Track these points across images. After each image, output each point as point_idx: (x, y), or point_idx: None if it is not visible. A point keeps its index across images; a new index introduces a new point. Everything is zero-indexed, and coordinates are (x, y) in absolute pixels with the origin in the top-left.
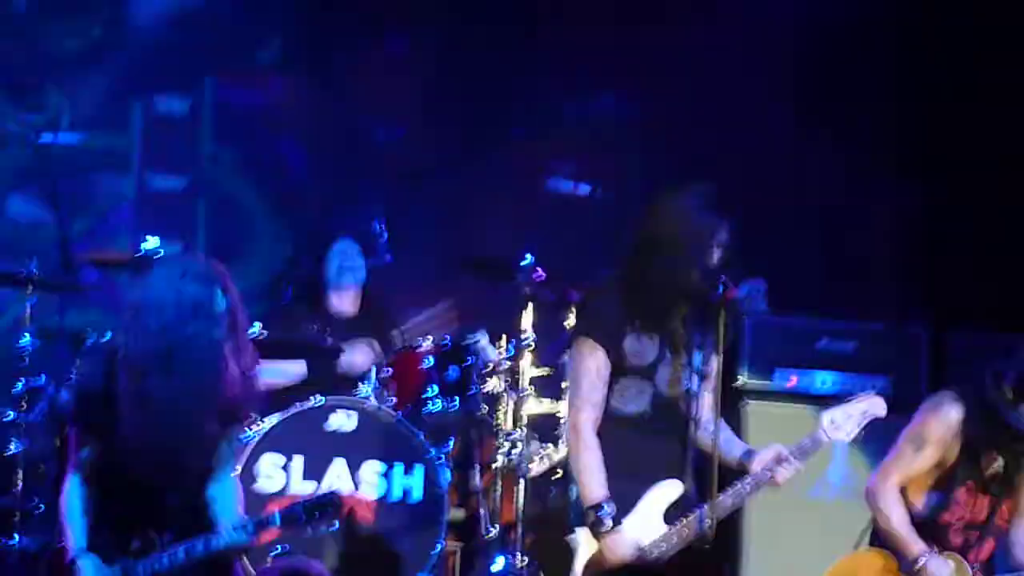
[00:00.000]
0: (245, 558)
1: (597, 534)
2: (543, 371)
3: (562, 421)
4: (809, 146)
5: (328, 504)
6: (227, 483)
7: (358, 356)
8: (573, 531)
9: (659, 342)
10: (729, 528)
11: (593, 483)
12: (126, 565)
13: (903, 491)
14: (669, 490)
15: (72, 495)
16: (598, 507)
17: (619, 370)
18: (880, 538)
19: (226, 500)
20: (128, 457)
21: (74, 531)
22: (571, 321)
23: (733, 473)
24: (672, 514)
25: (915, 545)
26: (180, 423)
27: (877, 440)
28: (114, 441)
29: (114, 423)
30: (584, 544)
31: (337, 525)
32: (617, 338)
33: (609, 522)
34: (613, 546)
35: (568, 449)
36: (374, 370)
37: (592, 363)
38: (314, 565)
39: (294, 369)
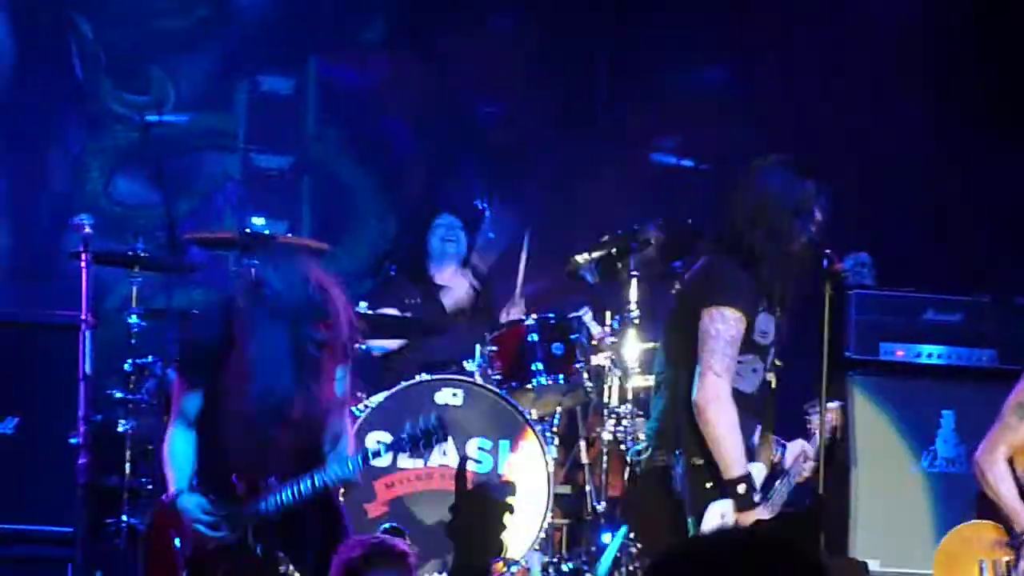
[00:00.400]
0: (352, 526)
1: (742, 508)
2: (649, 345)
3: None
4: (915, 119)
5: (432, 431)
6: (338, 425)
7: (457, 290)
8: (680, 503)
9: (775, 322)
10: (836, 500)
11: (738, 455)
12: (231, 509)
13: (1010, 462)
14: (758, 473)
15: (174, 443)
16: (742, 480)
17: (745, 346)
18: (989, 510)
19: (337, 442)
20: (236, 403)
21: (177, 474)
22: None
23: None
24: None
25: None
26: (289, 370)
27: (985, 411)
28: (221, 389)
29: (223, 371)
30: (719, 518)
31: (445, 451)
32: (754, 313)
33: (756, 496)
34: (751, 520)
35: (705, 419)
36: (478, 348)
37: (737, 332)
38: (399, 543)
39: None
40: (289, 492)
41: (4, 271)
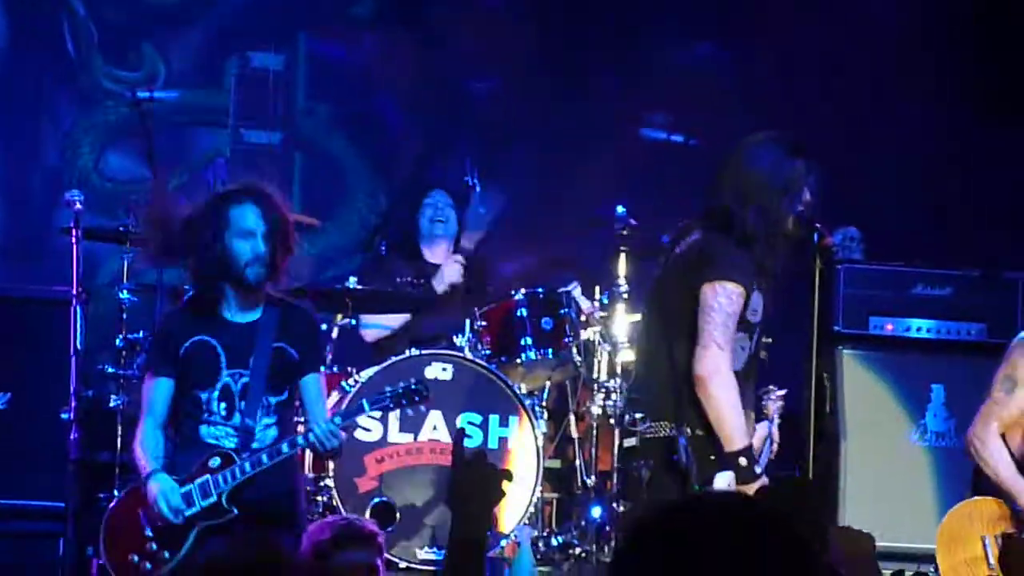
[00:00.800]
0: (340, 500)
1: (744, 480)
2: (637, 318)
3: None
4: (904, 94)
5: (414, 392)
6: (313, 382)
7: (449, 270)
8: (684, 474)
9: (763, 299)
10: (825, 474)
11: (739, 427)
12: (204, 481)
13: (1003, 437)
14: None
15: (145, 437)
16: (743, 452)
17: (737, 323)
18: (985, 485)
19: (313, 400)
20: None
21: (149, 458)
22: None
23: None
24: None
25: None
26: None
27: (974, 385)
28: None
29: (189, 359)
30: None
31: (436, 425)
32: (751, 290)
33: (758, 468)
34: (754, 492)
35: (707, 392)
36: (468, 323)
37: (738, 307)
38: (367, 524)
39: (394, 321)
40: (265, 455)
41: None
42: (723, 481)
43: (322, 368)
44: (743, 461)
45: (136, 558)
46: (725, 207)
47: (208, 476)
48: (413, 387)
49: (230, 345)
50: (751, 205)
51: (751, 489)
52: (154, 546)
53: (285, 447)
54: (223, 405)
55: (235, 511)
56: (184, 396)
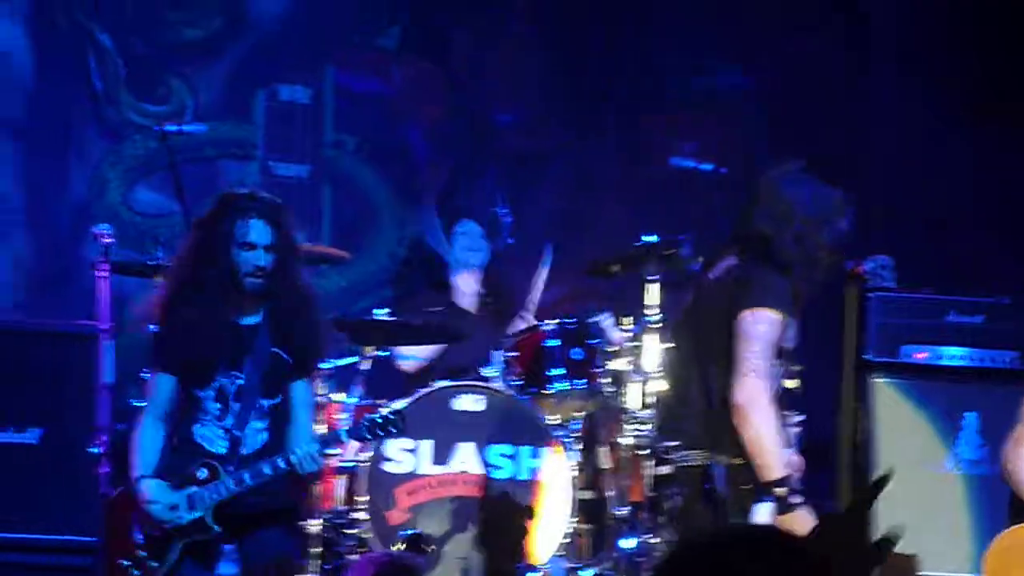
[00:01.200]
0: (373, 533)
1: (783, 511)
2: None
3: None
4: (938, 121)
5: (390, 422)
6: (301, 389)
7: (462, 281)
8: (719, 506)
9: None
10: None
11: (778, 457)
12: (192, 493)
13: None
14: None
15: (144, 432)
16: (782, 483)
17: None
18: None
19: (297, 405)
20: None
21: (141, 458)
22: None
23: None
24: None
25: None
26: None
27: (1008, 412)
28: (188, 380)
29: (190, 362)
30: (764, 520)
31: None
32: (789, 313)
33: (796, 499)
34: (798, 523)
35: (747, 422)
36: (497, 354)
37: (776, 335)
38: (409, 558)
39: (428, 352)
40: (248, 475)
41: (24, 280)
42: (763, 512)
43: (313, 375)
44: (781, 491)
45: (126, 563)
46: (763, 233)
47: (195, 488)
48: (391, 416)
49: (228, 346)
50: (790, 232)
51: (790, 520)
52: (143, 553)
53: (267, 469)
54: (217, 406)
55: (217, 528)
56: (182, 394)
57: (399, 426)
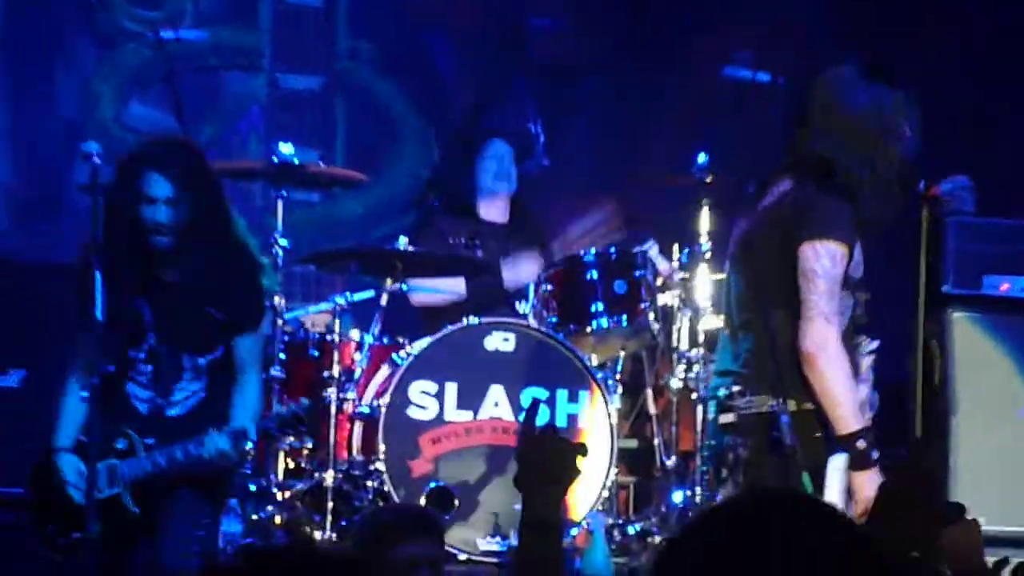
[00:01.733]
0: (392, 485)
1: (859, 466)
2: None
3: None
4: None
5: (297, 419)
6: (242, 346)
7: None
8: (788, 458)
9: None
10: (934, 452)
11: (853, 407)
12: (111, 465)
13: None
14: None
15: (68, 397)
16: (860, 435)
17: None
18: None
19: (240, 365)
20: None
21: (62, 430)
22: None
23: None
24: None
25: None
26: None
27: None
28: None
29: (121, 316)
30: (840, 475)
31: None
32: (854, 245)
33: (875, 453)
34: (871, 481)
35: (816, 369)
36: (532, 286)
37: (842, 269)
38: (429, 512)
39: (450, 286)
40: (163, 458)
41: (8, 206)
42: (836, 466)
43: (256, 329)
44: (861, 444)
45: (52, 528)
46: (819, 153)
47: (114, 461)
48: (292, 414)
49: (157, 305)
50: (850, 150)
51: (865, 477)
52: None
53: (179, 454)
54: (149, 368)
55: (135, 510)
56: (118, 353)
57: (297, 427)
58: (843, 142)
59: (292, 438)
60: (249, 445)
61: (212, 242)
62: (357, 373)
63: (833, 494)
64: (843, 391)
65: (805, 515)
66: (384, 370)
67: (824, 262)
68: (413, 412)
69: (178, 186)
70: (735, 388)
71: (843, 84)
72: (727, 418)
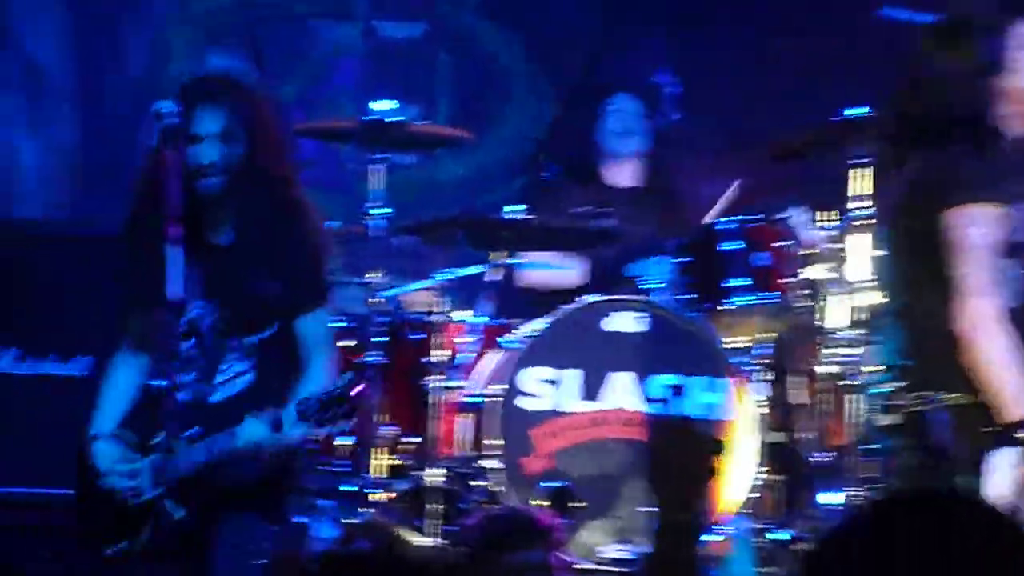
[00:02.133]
0: (506, 485)
1: None
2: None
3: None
4: None
5: (336, 400)
6: (306, 327)
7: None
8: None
9: None
10: None
11: (1019, 391)
12: (156, 460)
13: None
14: None
15: (112, 378)
16: None
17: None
18: None
19: (310, 348)
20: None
21: (104, 411)
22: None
23: None
24: None
25: None
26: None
27: None
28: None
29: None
30: (1007, 471)
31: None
32: (1011, 203)
33: None
34: None
35: (973, 351)
36: (667, 262)
37: (995, 234)
38: (542, 515)
39: (566, 275)
40: (203, 449)
41: (70, 174)
42: (1003, 460)
43: (322, 305)
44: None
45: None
46: (968, 106)
47: (156, 456)
48: (336, 393)
49: (203, 271)
50: (993, 99)
51: None
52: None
53: (213, 447)
54: (191, 343)
55: (179, 513)
56: (157, 331)
57: (346, 411)
58: (983, 88)
59: (329, 424)
60: (298, 432)
61: (270, 194)
62: (463, 358)
63: (1001, 493)
64: (1007, 374)
65: (968, 519)
66: (492, 356)
67: (972, 229)
68: (526, 403)
69: (230, 119)
70: (895, 384)
71: (971, 22)
72: (888, 419)
